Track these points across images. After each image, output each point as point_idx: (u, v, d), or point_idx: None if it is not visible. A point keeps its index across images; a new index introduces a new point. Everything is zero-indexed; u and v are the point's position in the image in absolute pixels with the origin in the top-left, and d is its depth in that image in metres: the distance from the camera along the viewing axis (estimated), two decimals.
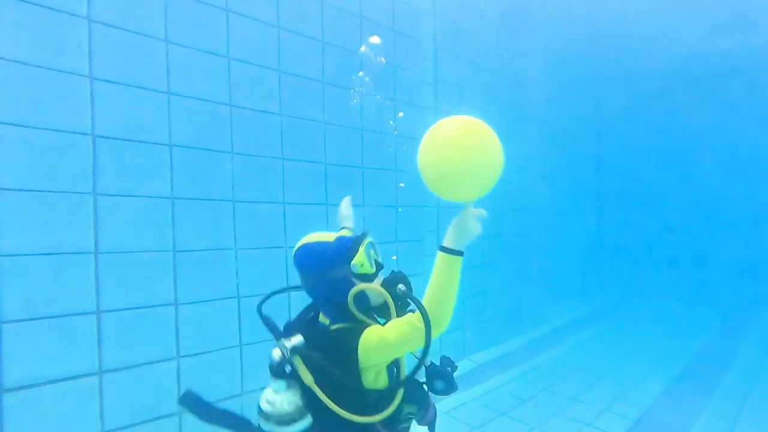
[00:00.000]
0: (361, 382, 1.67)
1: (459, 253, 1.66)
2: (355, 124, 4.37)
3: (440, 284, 1.65)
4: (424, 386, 1.85)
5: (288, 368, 1.69)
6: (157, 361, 3.09)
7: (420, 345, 1.61)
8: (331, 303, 1.77)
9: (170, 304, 3.16)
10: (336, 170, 4.18)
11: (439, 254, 1.67)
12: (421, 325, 1.59)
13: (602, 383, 5.40)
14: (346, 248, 1.77)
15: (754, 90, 8.73)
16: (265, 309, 1.87)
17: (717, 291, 9.26)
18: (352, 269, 1.74)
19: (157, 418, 3.06)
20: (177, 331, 3.17)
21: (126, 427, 2.94)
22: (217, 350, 3.37)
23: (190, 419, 3.18)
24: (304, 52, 3.96)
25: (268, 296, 1.97)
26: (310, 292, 1.82)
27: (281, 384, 1.70)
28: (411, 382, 1.75)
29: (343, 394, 1.66)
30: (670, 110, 9.67)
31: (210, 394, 3.32)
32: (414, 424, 1.84)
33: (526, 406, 4.76)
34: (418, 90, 5.04)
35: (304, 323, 1.88)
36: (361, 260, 1.74)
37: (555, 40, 7.65)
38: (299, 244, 1.81)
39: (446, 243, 1.67)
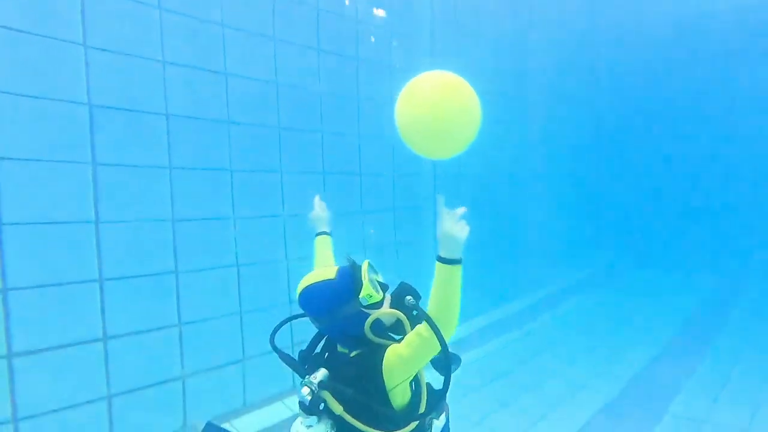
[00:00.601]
0: (390, 404, 1.68)
1: (457, 262, 1.59)
2: (351, 94, 4.38)
3: (444, 293, 1.61)
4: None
5: (321, 405, 1.69)
6: (160, 328, 3.15)
7: (436, 351, 1.61)
8: (349, 336, 1.75)
9: (171, 272, 3.21)
10: (333, 138, 4.21)
11: (438, 265, 1.60)
12: (429, 333, 1.57)
13: (597, 346, 5.54)
14: (351, 283, 1.73)
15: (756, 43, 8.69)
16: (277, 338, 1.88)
17: (713, 256, 9.40)
18: (361, 303, 1.71)
19: (162, 383, 3.15)
20: (178, 298, 3.22)
21: (131, 391, 3.02)
22: (217, 318, 3.44)
23: (192, 383, 3.27)
24: (299, 18, 3.94)
25: (278, 328, 1.94)
26: (324, 331, 1.81)
27: (313, 419, 1.71)
28: (429, 388, 1.78)
29: (373, 415, 1.67)
30: (668, 68, 9.65)
31: (212, 360, 3.43)
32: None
33: (522, 369, 4.89)
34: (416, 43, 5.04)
35: (322, 355, 1.84)
36: (368, 292, 1.71)
37: None
38: (301, 287, 1.76)
39: (442, 253, 1.60)
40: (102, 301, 2.91)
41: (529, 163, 7.10)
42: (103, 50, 2.90)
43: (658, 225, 10.04)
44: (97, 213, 2.89)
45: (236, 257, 3.51)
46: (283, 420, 3.60)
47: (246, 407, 3.55)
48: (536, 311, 6.47)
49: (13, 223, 2.61)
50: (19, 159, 2.63)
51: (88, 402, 2.85)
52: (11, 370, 2.59)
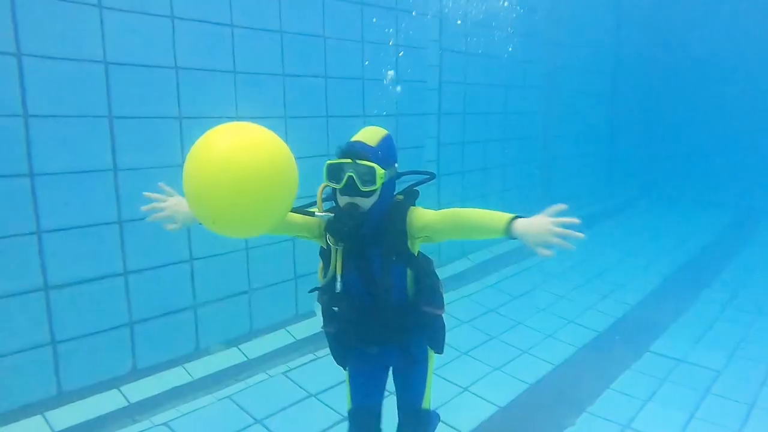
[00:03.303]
0: None
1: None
2: (355, 37, 4.47)
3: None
4: None
5: None
6: (173, 263, 3.53)
7: None
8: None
9: None
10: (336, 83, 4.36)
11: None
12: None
13: (593, 282, 5.78)
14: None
15: None
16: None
17: (728, 193, 9.34)
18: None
19: (175, 312, 3.57)
20: (189, 238, 3.57)
21: (148, 319, 3.44)
22: (225, 253, 3.79)
23: (203, 312, 3.68)
24: None
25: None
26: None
27: None
28: None
29: None
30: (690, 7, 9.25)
31: (220, 291, 3.80)
32: None
33: (515, 303, 5.20)
34: None
35: None
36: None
37: None
38: (376, 132, 2.00)
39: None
40: (122, 241, 3.28)
41: (537, 100, 7.12)
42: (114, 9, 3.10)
43: (681, 159, 9.92)
44: (115, 162, 3.20)
45: None
46: (287, 345, 4.03)
47: (252, 333, 3.99)
48: None
49: (43, 173, 2.94)
50: (47, 116, 2.92)
51: (113, 328, 3.29)
52: (48, 300, 3.01)
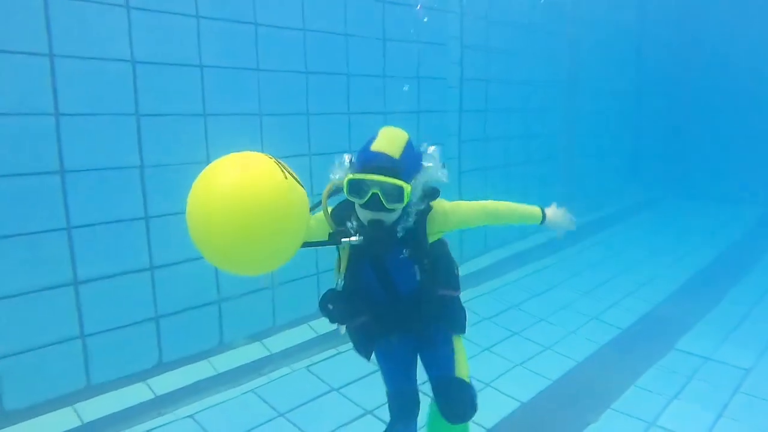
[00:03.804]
0: None
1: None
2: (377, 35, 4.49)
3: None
4: None
5: None
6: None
7: None
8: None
9: None
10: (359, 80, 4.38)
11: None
12: None
13: (616, 280, 5.72)
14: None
15: None
16: None
17: (757, 189, 9.13)
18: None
19: (199, 306, 3.62)
20: None
21: (173, 314, 3.50)
22: None
23: (228, 307, 3.73)
24: None
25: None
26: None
27: None
28: None
29: None
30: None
31: (244, 287, 3.83)
32: None
33: (537, 299, 5.17)
34: None
35: None
36: None
37: None
38: (398, 138, 1.92)
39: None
40: (148, 236, 3.34)
41: (563, 98, 7.05)
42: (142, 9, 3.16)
43: (707, 156, 9.72)
44: (141, 159, 3.27)
45: None
46: (310, 339, 4.06)
47: (275, 328, 4.03)
48: (561, 244, 6.61)
49: (73, 170, 3.01)
50: (77, 114, 2.99)
51: (139, 322, 3.36)
52: (77, 294, 3.08)
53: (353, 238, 1.88)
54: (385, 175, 1.80)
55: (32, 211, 2.89)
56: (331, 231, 1.95)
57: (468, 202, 2.22)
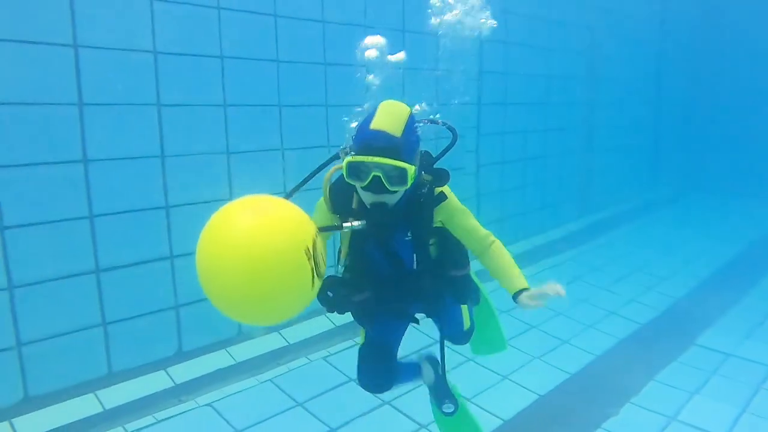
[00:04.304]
0: None
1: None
2: (396, 26, 4.47)
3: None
4: None
5: None
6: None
7: None
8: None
9: (226, 200, 3.59)
10: None
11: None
12: None
13: (636, 275, 5.66)
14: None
15: None
16: None
17: None
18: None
19: None
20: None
21: (192, 303, 3.50)
22: None
23: None
24: None
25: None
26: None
27: None
28: None
29: None
30: None
31: None
32: None
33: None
34: None
35: None
36: None
37: None
38: (399, 113, 1.79)
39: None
40: (168, 225, 3.37)
41: (581, 91, 6.99)
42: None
43: (729, 151, 9.55)
44: (162, 149, 3.29)
45: (284, 187, 3.85)
46: (327, 330, 4.07)
47: (293, 319, 4.03)
48: (578, 239, 6.57)
49: (96, 160, 3.04)
50: (100, 104, 3.02)
51: (160, 311, 3.40)
52: (99, 282, 3.12)
53: (355, 223, 1.79)
54: (387, 156, 1.68)
55: (55, 200, 2.92)
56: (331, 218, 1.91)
57: (477, 223, 2.09)
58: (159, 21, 3.17)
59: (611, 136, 7.72)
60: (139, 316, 3.30)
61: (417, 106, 2.02)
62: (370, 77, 2.18)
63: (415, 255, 2.01)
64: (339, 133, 4.11)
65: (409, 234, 1.96)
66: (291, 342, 3.85)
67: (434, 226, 2.01)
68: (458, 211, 2.00)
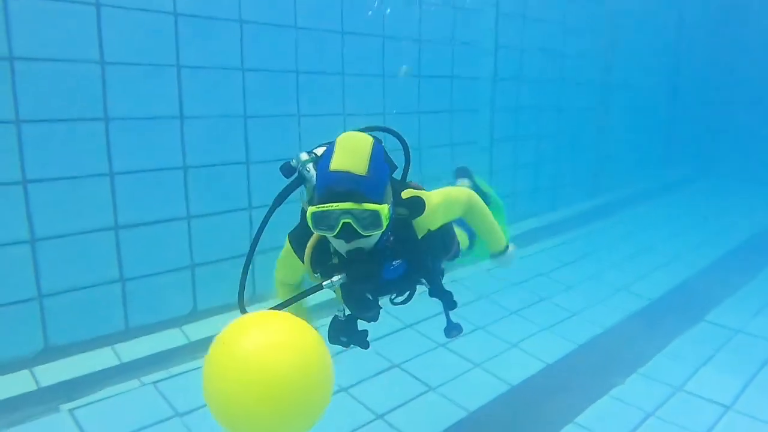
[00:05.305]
0: None
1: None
2: None
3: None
4: None
5: None
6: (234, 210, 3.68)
7: None
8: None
9: (242, 163, 3.68)
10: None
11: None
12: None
13: (647, 254, 5.66)
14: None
15: None
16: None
17: None
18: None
19: (233, 258, 3.69)
20: (249, 187, 3.70)
21: (208, 263, 3.61)
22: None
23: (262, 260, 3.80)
24: None
25: None
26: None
27: None
28: None
29: None
30: None
31: (278, 240, 3.91)
32: None
33: (566, 269, 5.15)
34: None
35: None
36: None
37: None
38: (361, 147, 1.57)
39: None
40: (186, 187, 3.43)
41: (596, 71, 6.94)
42: None
43: (745, 135, 9.44)
44: (181, 111, 3.34)
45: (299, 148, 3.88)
46: None
47: None
48: (590, 217, 6.57)
49: (117, 118, 3.10)
50: (119, 63, 3.06)
51: (176, 269, 3.48)
52: (117, 239, 3.19)
53: (335, 278, 1.65)
54: (353, 201, 1.49)
55: (77, 156, 2.98)
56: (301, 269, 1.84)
57: (453, 191, 2.03)
58: None
59: (626, 117, 7.67)
60: (155, 274, 3.37)
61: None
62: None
63: (409, 269, 1.87)
64: (355, 101, 4.15)
65: (395, 262, 1.79)
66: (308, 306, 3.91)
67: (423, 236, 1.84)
68: (437, 206, 1.84)
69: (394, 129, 1.96)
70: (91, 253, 3.10)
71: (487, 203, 2.28)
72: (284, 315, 1.44)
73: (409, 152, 1.95)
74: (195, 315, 3.57)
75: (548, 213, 6.27)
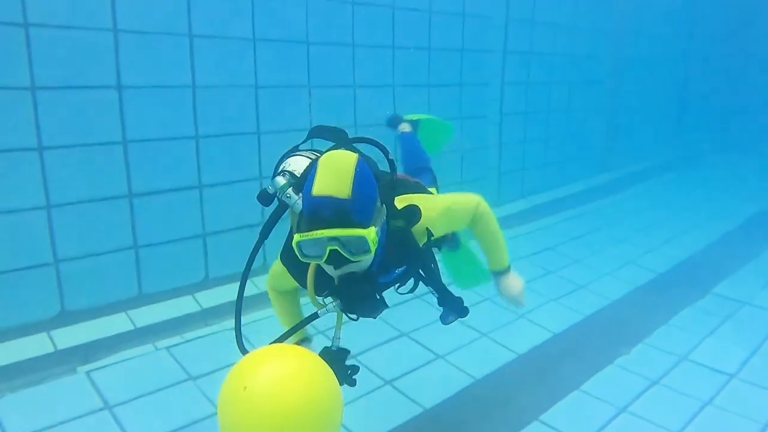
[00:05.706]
0: None
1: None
2: None
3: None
4: None
5: None
6: (245, 180, 3.71)
7: None
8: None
9: (253, 133, 3.70)
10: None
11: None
12: None
13: (654, 228, 5.67)
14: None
15: None
16: None
17: None
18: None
19: (244, 227, 3.75)
20: (260, 159, 3.73)
21: (219, 232, 3.65)
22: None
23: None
24: None
25: None
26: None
27: None
28: None
29: None
30: None
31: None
32: None
33: (573, 243, 5.17)
34: None
35: None
36: None
37: None
38: (343, 169, 1.49)
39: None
40: (198, 156, 3.46)
41: (608, 45, 6.86)
42: None
43: (758, 111, 9.33)
44: (194, 80, 3.36)
45: (309, 123, 3.90)
46: None
47: None
48: (599, 193, 6.57)
49: (130, 86, 3.12)
50: (133, 31, 3.07)
51: (188, 238, 3.53)
52: (132, 207, 3.24)
53: (329, 306, 1.65)
54: (338, 227, 1.42)
55: (90, 124, 3.01)
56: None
57: (460, 198, 2.00)
58: None
59: (637, 92, 7.60)
60: (168, 242, 3.42)
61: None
62: None
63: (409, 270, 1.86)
64: (364, 74, 4.15)
65: (397, 271, 1.79)
66: None
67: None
68: (438, 216, 1.80)
69: (376, 140, 1.85)
70: (106, 220, 3.14)
71: (430, 130, 2.23)
72: (291, 350, 1.44)
73: (394, 164, 1.82)
74: (207, 283, 3.63)
75: (558, 188, 6.26)
